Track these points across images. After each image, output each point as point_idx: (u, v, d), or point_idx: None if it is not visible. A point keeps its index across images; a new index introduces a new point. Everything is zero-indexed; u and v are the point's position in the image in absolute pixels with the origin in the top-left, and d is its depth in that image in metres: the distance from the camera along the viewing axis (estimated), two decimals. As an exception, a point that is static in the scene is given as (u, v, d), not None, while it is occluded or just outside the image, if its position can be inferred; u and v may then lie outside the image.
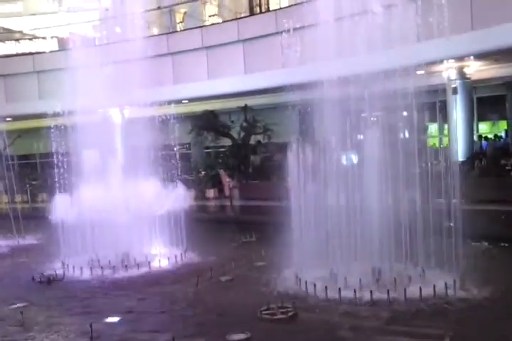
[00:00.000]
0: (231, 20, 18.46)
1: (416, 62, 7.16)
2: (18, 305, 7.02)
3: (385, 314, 6.03)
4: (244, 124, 17.70)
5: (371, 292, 6.46)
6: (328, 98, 7.54)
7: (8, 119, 20.75)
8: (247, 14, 20.42)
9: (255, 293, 7.05)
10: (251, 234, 10.96)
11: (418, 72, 7.37)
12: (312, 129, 8.72)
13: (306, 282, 7.00)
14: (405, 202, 7.13)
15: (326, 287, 6.73)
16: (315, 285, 6.82)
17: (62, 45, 21.68)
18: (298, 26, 15.39)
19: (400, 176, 7.07)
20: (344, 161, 7.94)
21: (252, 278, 7.79)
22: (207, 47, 17.69)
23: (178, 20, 20.99)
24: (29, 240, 12.06)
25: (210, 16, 22.56)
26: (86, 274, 8.61)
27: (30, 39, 23.26)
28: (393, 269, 6.95)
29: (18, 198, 19.49)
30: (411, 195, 7.11)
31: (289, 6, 16.83)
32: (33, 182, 19.17)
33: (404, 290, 6.44)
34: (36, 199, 18.69)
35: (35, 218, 14.60)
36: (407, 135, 7.50)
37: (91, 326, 5.73)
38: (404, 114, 7.43)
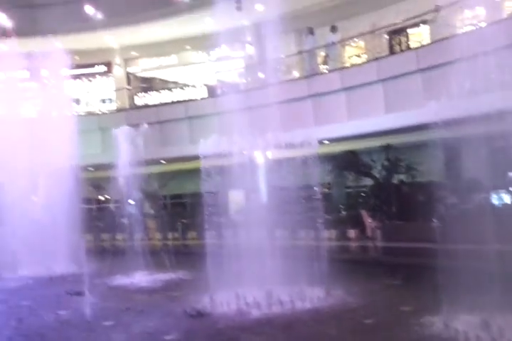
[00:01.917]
0: (370, 60, 18.55)
1: None
2: (171, 336, 7.46)
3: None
4: (386, 163, 17.41)
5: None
6: (474, 135, 7.28)
7: (162, 162, 22.51)
8: (387, 53, 20.41)
9: (401, 339, 6.81)
10: (395, 276, 10.64)
11: None
12: (459, 168, 8.42)
13: (456, 330, 6.62)
14: None
15: (477, 337, 6.32)
16: (466, 334, 6.44)
17: (211, 92, 23.26)
18: (440, 63, 15.15)
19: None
20: (495, 201, 7.55)
21: (396, 323, 7.54)
22: (346, 88, 17.88)
23: (318, 63, 21.55)
24: (180, 275, 12.76)
25: (349, 57, 22.90)
26: (232, 310, 8.92)
27: (182, 88, 25.26)
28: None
29: (169, 235, 20.88)
30: None
31: (431, 43, 16.56)
32: (184, 221, 20.39)
33: None
34: (186, 236, 19.83)
35: (186, 254, 15.53)
36: None
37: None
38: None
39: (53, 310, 9.67)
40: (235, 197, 20.65)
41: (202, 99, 22.52)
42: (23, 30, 23.79)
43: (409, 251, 12.46)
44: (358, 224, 17.48)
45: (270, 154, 20.21)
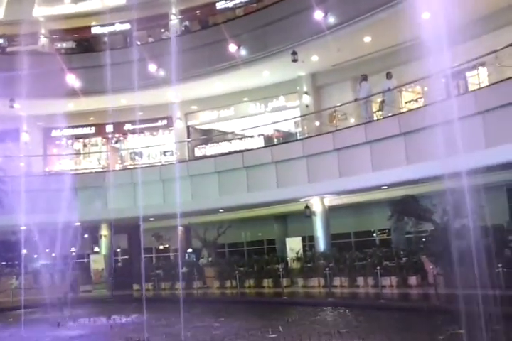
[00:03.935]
0: (428, 104, 18.36)
1: None
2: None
3: None
4: (448, 208, 16.86)
5: None
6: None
7: (220, 211, 22.72)
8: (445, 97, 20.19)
9: None
10: (459, 324, 10.04)
11: None
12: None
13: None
14: None
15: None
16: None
17: (268, 141, 23.56)
18: (501, 104, 14.80)
19: None
20: None
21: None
22: (405, 133, 17.69)
23: (374, 110, 21.56)
24: (238, 323, 12.51)
25: (406, 103, 22.75)
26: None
27: (240, 138, 25.76)
28: None
29: (227, 283, 20.77)
30: None
31: (489, 85, 16.27)
32: (241, 269, 20.27)
33: None
34: (244, 284, 19.65)
35: (243, 303, 15.38)
36: None
37: None
38: None
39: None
40: (292, 244, 20.52)
41: (258, 148, 22.82)
42: (90, 89, 25.27)
43: (471, 297, 11.78)
44: (419, 270, 16.84)
45: (328, 201, 20.13)
